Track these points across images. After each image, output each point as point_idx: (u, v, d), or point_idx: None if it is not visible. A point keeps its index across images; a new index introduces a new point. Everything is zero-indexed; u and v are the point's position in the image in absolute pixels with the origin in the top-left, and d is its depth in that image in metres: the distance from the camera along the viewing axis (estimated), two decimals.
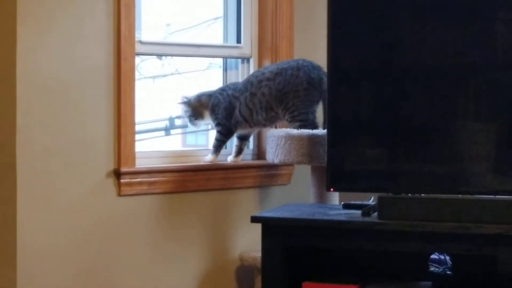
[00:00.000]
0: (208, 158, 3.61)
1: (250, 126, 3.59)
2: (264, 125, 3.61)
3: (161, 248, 3.45)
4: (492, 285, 3.03)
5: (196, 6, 3.86)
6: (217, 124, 3.61)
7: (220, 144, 3.61)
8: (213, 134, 3.81)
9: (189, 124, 3.66)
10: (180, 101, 3.67)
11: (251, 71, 3.79)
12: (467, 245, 2.82)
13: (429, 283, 3.15)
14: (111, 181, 3.32)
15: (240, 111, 3.56)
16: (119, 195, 3.33)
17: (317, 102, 3.50)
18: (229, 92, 3.61)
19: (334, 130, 3.05)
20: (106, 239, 3.30)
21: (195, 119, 3.64)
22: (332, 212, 3.10)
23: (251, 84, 3.55)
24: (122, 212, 3.34)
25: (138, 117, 3.42)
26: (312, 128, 3.46)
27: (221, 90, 3.64)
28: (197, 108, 3.62)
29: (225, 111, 3.59)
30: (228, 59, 3.84)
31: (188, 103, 3.63)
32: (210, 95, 3.63)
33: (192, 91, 3.68)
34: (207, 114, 3.63)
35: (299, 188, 3.78)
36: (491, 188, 2.88)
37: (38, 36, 3.13)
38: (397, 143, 3.00)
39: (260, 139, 3.79)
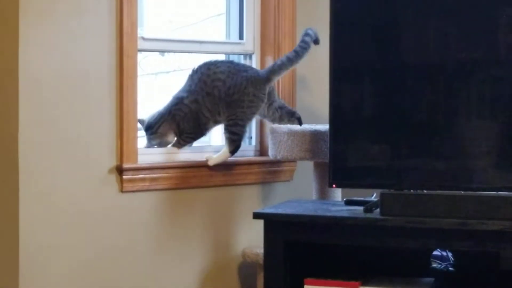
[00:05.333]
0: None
1: (216, 123, 3.54)
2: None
3: (163, 244, 3.45)
4: (495, 281, 3.03)
5: (198, 3, 3.86)
6: (187, 132, 3.49)
7: (187, 145, 3.53)
8: (216, 130, 3.81)
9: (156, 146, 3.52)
10: (144, 123, 3.48)
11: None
12: (469, 241, 2.82)
13: (431, 280, 3.15)
14: (113, 177, 3.32)
15: (203, 114, 3.47)
16: (122, 191, 3.33)
17: (258, 113, 3.49)
18: (186, 101, 3.46)
19: (336, 126, 3.05)
20: (108, 235, 3.30)
21: (159, 146, 3.50)
22: (334, 208, 3.10)
23: (204, 83, 3.45)
24: (124, 208, 3.34)
25: (140, 114, 3.42)
26: (236, 146, 3.44)
27: (176, 104, 3.47)
28: (162, 136, 3.48)
29: (191, 122, 3.47)
30: (230, 56, 3.84)
31: (155, 134, 3.47)
32: (171, 117, 3.46)
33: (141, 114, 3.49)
34: (172, 136, 3.50)
35: (302, 184, 3.78)
36: (494, 185, 2.88)
37: (41, 33, 3.13)
38: (399, 140, 3.00)
39: (263, 135, 3.79)
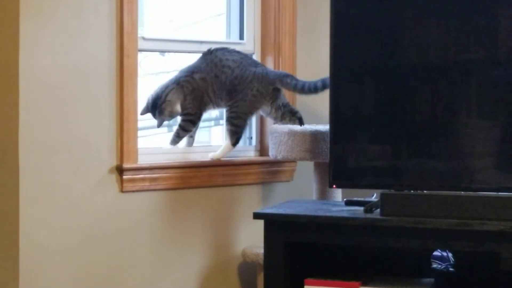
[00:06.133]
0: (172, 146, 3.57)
1: (215, 107, 3.60)
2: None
3: (163, 243, 3.45)
4: (495, 282, 3.03)
5: (199, 2, 3.86)
6: (187, 114, 3.53)
7: (186, 134, 3.56)
8: (216, 131, 3.81)
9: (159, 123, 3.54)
10: (149, 102, 3.49)
11: None
12: (469, 242, 2.82)
13: (431, 280, 3.15)
14: (113, 177, 3.32)
15: (208, 94, 3.53)
16: (122, 191, 3.33)
17: (260, 108, 3.55)
18: (196, 76, 3.52)
19: (337, 127, 3.05)
20: (108, 235, 3.30)
21: (170, 117, 3.54)
22: (334, 208, 3.10)
23: (215, 65, 3.52)
24: (124, 208, 3.34)
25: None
26: (237, 138, 3.51)
27: (186, 76, 3.52)
28: (172, 103, 3.50)
29: (195, 100, 3.52)
30: None
31: (164, 103, 3.48)
32: (180, 86, 3.51)
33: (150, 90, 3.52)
34: (179, 106, 3.52)
35: (302, 184, 3.78)
36: (494, 185, 2.88)
37: (41, 32, 3.13)
38: (399, 140, 2.99)
39: (263, 135, 3.79)
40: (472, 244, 2.82)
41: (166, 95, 3.49)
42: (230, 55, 3.55)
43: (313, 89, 3.47)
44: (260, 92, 3.51)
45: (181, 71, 3.56)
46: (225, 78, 3.51)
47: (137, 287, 3.38)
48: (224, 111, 3.65)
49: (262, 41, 3.82)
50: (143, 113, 3.47)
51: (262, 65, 3.62)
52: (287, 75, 3.55)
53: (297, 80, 3.52)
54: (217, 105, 3.57)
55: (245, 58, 3.57)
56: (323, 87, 3.44)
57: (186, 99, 3.52)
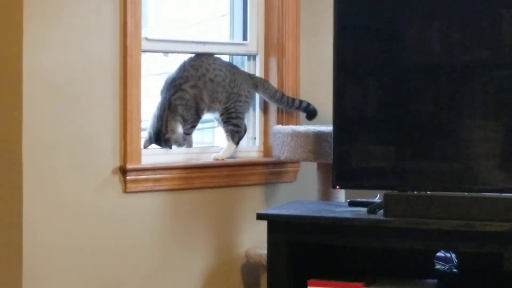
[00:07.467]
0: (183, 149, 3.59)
1: (209, 112, 3.60)
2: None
3: (166, 244, 3.45)
4: (498, 282, 3.03)
5: (202, 3, 3.86)
6: (189, 122, 3.54)
7: (189, 136, 3.59)
8: (219, 131, 3.81)
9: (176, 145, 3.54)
10: (151, 137, 3.47)
11: (257, 69, 3.79)
12: (473, 242, 2.82)
13: (435, 281, 3.15)
14: (117, 178, 3.32)
15: (203, 99, 3.54)
16: (125, 192, 3.33)
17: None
18: (185, 87, 3.50)
19: (340, 127, 3.05)
20: (111, 235, 3.30)
21: (176, 140, 3.51)
22: (338, 209, 3.10)
23: (206, 70, 3.54)
24: (127, 209, 3.34)
25: (144, 114, 3.42)
26: (240, 137, 3.60)
27: (175, 93, 3.48)
28: (174, 132, 3.47)
29: (192, 109, 3.52)
30: (234, 56, 3.84)
31: (168, 135, 3.46)
32: (171, 109, 3.47)
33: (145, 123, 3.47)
34: (181, 127, 3.49)
35: (305, 185, 3.78)
36: (497, 186, 2.88)
37: (45, 33, 3.13)
38: (403, 141, 2.99)
39: (266, 136, 3.79)
40: (476, 245, 2.82)
41: (166, 127, 3.46)
42: (215, 60, 3.59)
43: (291, 103, 3.69)
44: (250, 93, 3.64)
45: (166, 89, 3.51)
46: (222, 81, 3.55)
47: (140, 287, 3.39)
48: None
49: (266, 42, 3.82)
50: (146, 146, 3.45)
51: (240, 68, 3.70)
52: (269, 85, 3.69)
53: (275, 92, 3.68)
54: (209, 109, 3.57)
55: (226, 63, 3.64)
56: (299, 107, 3.69)
57: (183, 115, 3.51)
